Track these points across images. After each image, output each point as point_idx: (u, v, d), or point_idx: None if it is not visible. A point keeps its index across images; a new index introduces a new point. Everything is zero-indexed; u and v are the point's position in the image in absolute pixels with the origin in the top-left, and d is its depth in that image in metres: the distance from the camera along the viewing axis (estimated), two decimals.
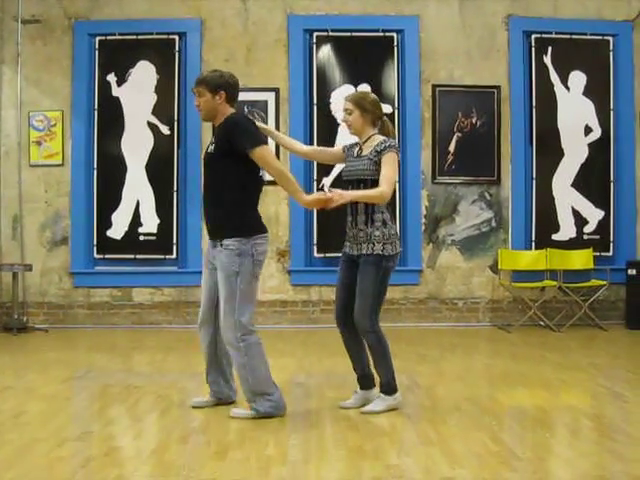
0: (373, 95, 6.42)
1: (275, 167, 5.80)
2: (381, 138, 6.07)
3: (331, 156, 6.70)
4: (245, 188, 5.78)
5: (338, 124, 10.77)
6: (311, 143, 10.70)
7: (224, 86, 5.85)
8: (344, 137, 10.85)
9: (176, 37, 10.99)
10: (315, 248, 10.88)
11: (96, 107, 10.97)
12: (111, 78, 10.98)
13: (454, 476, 4.42)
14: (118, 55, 10.99)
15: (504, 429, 5.63)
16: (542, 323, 10.75)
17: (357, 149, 6.18)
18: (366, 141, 6.12)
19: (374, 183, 5.86)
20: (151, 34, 10.97)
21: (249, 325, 5.72)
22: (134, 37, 10.98)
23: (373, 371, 6.12)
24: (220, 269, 5.71)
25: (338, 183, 10.96)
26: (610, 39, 11.19)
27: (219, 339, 5.95)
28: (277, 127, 10.80)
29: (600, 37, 11.19)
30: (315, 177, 10.82)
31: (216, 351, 6.05)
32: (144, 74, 11.01)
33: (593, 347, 9.47)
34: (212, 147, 5.86)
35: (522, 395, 6.85)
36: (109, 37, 10.98)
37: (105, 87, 10.98)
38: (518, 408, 6.40)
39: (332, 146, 10.87)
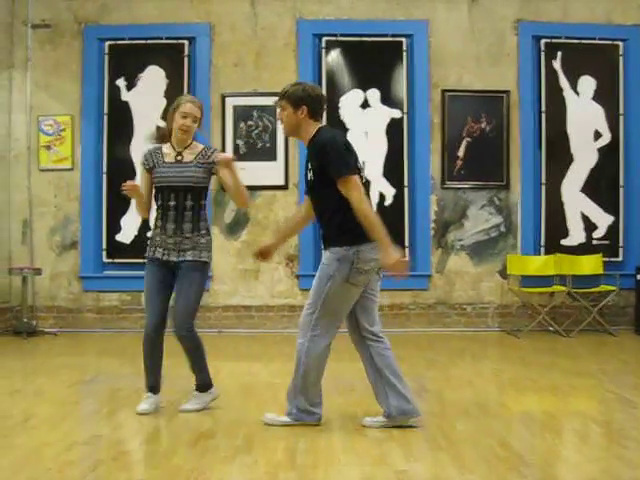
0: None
1: (357, 203, 5.37)
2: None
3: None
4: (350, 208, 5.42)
5: (347, 129, 10.79)
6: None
7: (306, 100, 5.58)
8: (353, 142, 10.88)
9: (185, 42, 11.01)
10: None
11: (106, 111, 11.00)
12: (121, 83, 11.00)
13: None
14: (128, 60, 11.02)
15: (513, 434, 5.61)
16: (551, 328, 10.72)
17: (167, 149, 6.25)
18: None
19: None
20: (161, 39, 10.99)
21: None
22: (144, 42, 11.01)
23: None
24: None
25: None
26: (620, 44, 11.17)
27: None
28: None
29: (610, 42, 11.17)
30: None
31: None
32: (154, 78, 11.03)
33: (602, 353, 9.44)
34: (310, 174, 5.57)
35: (531, 400, 6.83)
36: (119, 42, 11.01)
37: (115, 91, 11.01)
38: (527, 413, 6.38)
39: None
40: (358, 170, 5.48)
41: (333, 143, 5.48)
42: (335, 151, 5.42)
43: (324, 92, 10.81)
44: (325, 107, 5.84)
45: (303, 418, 5.67)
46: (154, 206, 6.14)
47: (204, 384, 6.29)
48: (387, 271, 5.41)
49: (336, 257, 5.48)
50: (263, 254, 5.76)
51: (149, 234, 6.36)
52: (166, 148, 6.12)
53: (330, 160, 5.38)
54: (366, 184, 5.50)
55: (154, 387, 6.28)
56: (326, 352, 5.67)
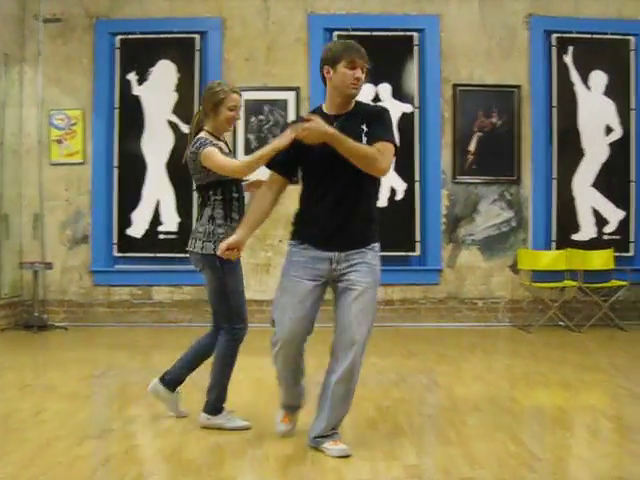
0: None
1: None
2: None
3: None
4: None
5: None
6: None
7: None
8: None
9: (197, 36, 11.01)
10: None
11: (117, 106, 11.01)
12: (132, 77, 11.01)
13: (474, 476, 4.41)
14: (139, 54, 11.03)
15: (524, 429, 5.61)
16: (562, 323, 10.71)
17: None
18: None
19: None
20: (172, 33, 11.00)
21: None
22: (155, 36, 11.01)
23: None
24: None
25: None
26: (631, 38, 11.14)
27: None
28: None
29: (621, 36, 11.14)
30: None
31: None
32: (165, 73, 11.04)
33: (613, 348, 9.43)
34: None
35: (542, 395, 6.83)
36: (130, 36, 11.02)
37: (126, 86, 11.02)
38: (538, 408, 6.39)
39: None
40: None
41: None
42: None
43: None
44: None
45: None
46: (212, 200, 5.54)
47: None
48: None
49: (378, 254, 4.98)
50: (231, 249, 5.02)
51: (203, 229, 5.59)
52: (215, 140, 5.59)
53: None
54: (378, 179, 5.26)
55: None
56: None
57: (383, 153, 4.73)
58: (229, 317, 5.50)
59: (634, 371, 8.08)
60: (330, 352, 4.91)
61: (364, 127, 4.86)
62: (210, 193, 5.53)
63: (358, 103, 5.02)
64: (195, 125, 5.74)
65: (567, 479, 4.50)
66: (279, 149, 4.99)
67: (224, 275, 5.45)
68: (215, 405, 5.51)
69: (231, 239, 4.99)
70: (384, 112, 4.97)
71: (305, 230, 4.95)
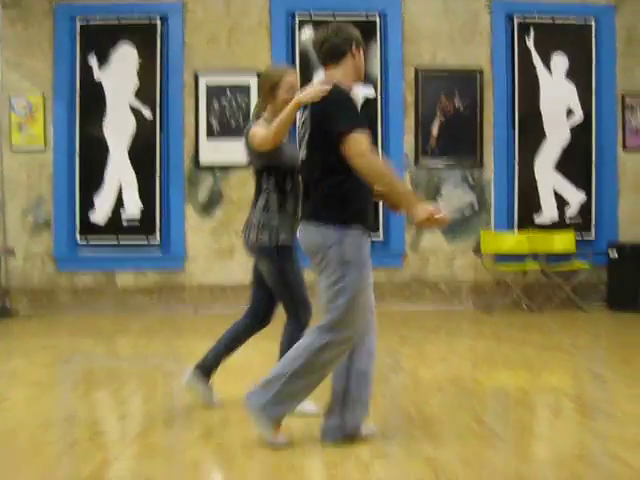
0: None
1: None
2: None
3: None
4: None
5: None
6: (294, 125, 10.72)
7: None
8: None
9: (158, 20, 10.94)
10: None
11: (78, 91, 10.92)
12: (93, 61, 10.92)
13: (437, 456, 4.46)
14: (100, 38, 10.93)
15: (486, 410, 5.67)
16: (524, 305, 10.80)
17: None
18: None
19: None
20: (133, 17, 10.92)
21: None
22: (116, 20, 10.92)
23: None
24: None
25: None
26: (592, 22, 11.21)
27: None
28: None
29: (582, 20, 11.21)
30: None
31: None
32: (126, 57, 10.95)
33: (574, 328, 9.52)
34: None
35: (504, 376, 6.90)
36: (90, 20, 10.92)
37: (87, 71, 10.93)
38: (500, 389, 6.45)
39: None
40: None
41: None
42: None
43: (297, 70, 10.86)
44: None
45: None
46: (265, 188, 5.42)
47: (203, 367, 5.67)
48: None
49: None
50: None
51: (257, 219, 5.43)
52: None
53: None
54: None
55: None
56: None
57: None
58: (292, 306, 5.43)
59: (594, 351, 8.22)
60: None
61: None
62: (263, 180, 5.42)
63: None
64: (254, 117, 5.56)
65: (529, 458, 4.55)
66: (300, 106, 4.88)
67: (281, 265, 5.35)
68: None
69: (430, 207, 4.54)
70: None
71: (366, 215, 4.73)
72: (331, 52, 4.78)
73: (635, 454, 4.43)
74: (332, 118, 4.58)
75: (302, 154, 4.81)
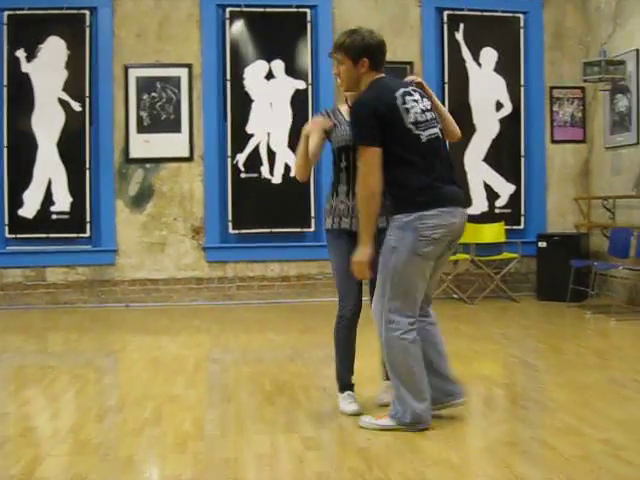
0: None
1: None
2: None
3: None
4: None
5: (252, 100, 10.79)
6: (225, 119, 10.72)
7: (368, 52, 4.87)
8: (258, 114, 10.89)
9: (87, 12, 10.80)
10: (230, 225, 10.84)
11: (5, 84, 10.73)
12: (20, 54, 10.74)
13: (369, 446, 4.49)
14: (27, 30, 10.75)
15: None
16: (455, 296, 10.91)
17: (346, 108, 5.29)
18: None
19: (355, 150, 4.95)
20: (61, 8, 10.75)
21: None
22: (44, 12, 10.75)
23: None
24: None
25: (253, 160, 10.89)
26: (521, 16, 11.36)
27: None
28: (190, 104, 10.79)
29: (511, 14, 11.35)
30: (229, 154, 10.77)
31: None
32: (54, 50, 10.79)
33: (505, 318, 9.66)
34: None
35: None
36: (18, 11, 10.73)
37: (14, 63, 10.73)
38: None
39: (246, 122, 10.85)
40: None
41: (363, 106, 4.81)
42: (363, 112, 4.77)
43: (228, 63, 10.83)
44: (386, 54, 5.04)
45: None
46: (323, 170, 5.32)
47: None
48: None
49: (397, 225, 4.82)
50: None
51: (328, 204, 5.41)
52: (339, 107, 5.44)
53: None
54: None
55: (351, 384, 5.45)
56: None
57: None
58: (339, 294, 5.47)
59: (524, 340, 8.34)
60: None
61: None
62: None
63: None
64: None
65: (462, 446, 4.61)
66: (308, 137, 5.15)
67: (330, 251, 5.38)
68: (338, 383, 5.44)
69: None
70: None
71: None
72: None
73: (565, 441, 4.50)
74: None
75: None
